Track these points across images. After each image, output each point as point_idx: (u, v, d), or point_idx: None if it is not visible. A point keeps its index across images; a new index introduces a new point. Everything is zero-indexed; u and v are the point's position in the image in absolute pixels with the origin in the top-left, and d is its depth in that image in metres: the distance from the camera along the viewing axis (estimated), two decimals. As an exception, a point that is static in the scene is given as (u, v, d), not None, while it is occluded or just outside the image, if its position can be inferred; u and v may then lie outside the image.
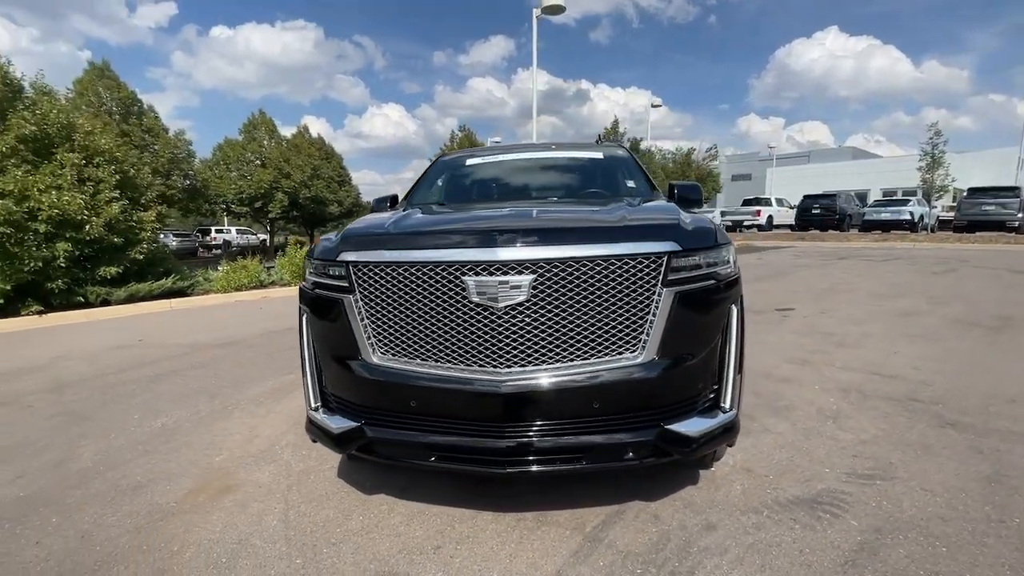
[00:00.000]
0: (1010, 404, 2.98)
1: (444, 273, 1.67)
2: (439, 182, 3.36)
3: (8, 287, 6.83)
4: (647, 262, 1.65)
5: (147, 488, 2.35)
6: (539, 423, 1.67)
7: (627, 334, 1.67)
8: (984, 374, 3.54)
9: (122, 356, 4.91)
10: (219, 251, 28.33)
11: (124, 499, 2.26)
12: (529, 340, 1.65)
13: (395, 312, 1.76)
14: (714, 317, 1.76)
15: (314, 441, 2.06)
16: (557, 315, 1.64)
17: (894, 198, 25.64)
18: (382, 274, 1.77)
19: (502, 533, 1.92)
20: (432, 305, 1.70)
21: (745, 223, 24.72)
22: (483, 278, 1.61)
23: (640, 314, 1.66)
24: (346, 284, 1.81)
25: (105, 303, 7.76)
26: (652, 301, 1.65)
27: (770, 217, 24.61)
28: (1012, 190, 19.29)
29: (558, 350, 1.66)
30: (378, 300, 1.78)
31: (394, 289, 1.75)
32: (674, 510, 2.03)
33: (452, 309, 1.67)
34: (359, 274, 1.80)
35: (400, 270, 1.73)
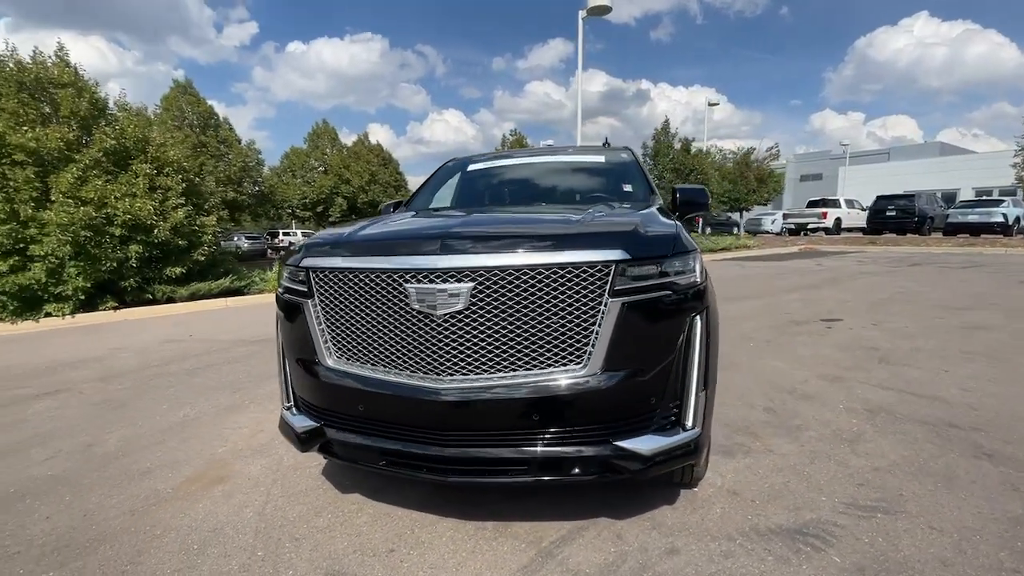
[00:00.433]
0: (1070, 436, 2.60)
1: (388, 280, 1.69)
2: (437, 187, 3.40)
3: (88, 284, 7.62)
4: (592, 271, 1.59)
5: (152, 474, 2.54)
6: (480, 433, 1.65)
7: (572, 345, 1.62)
8: (1048, 400, 3.11)
9: (170, 350, 5.34)
10: (284, 252, 30.17)
11: (130, 483, 2.45)
12: (470, 349, 1.63)
13: (347, 317, 1.80)
14: (670, 330, 1.66)
15: (286, 438, 2.15)
16: (498, 324, 1.61)
17: (985, 198, 23.11)
18: (336, 280, 1.81)
19: (458, 541, 1.91)
20: (378, 311, 1.72)
21: (809, 226, 23.17)
22: (423, 285, 1.62)
23: (585, 325, 1.60)
24: (306, 289, 1.88)
25: (170, 300, 8.48)
26: (598, 312, 1.59)
27: (838, 219, 22.92)
28: None
29: (499, 360, 1.63)
30: (333, 305, 1.83)
31: (346, 295, 1.79)
32: (640, 530, 1.93)
33: (396, 316, 1.69)
34: (317, 280, 1.86)
35: (351, 276, 1.77)
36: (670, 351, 1.66)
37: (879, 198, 22.14)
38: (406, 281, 1.65)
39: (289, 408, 2.06)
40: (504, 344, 1.62)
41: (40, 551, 1.94)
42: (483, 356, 1.63)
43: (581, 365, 1.61)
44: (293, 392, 2.04)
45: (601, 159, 3.39)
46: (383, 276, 1.69)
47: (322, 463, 2.57)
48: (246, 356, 4.95)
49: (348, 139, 29.88)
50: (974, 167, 35.92)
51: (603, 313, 1.58)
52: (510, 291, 1.59)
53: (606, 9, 13.38)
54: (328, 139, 29.73)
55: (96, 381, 4.23)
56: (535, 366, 1.63)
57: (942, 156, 42.05)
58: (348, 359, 1.83)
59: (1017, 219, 19.04)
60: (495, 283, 1.59)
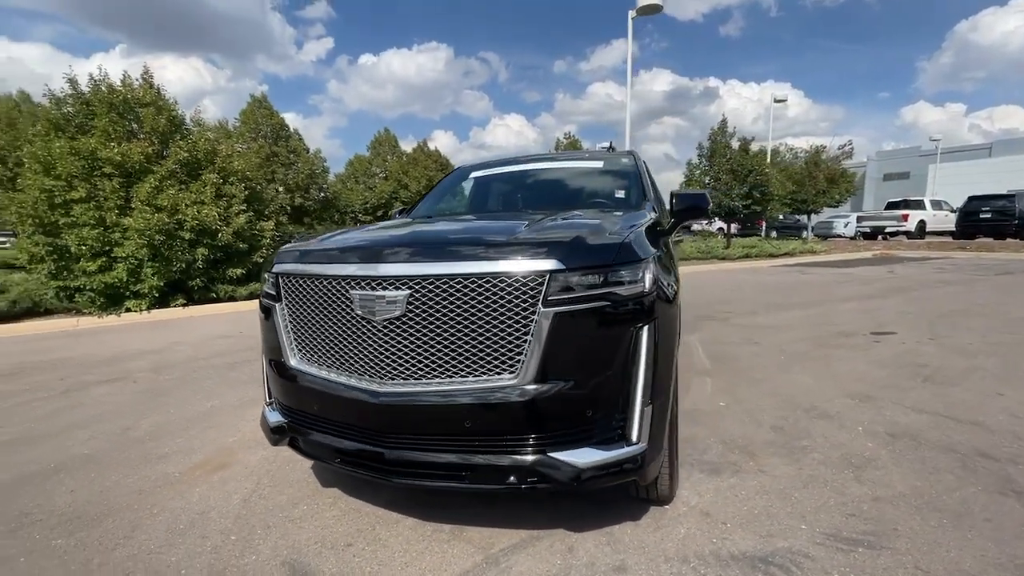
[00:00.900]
0: None
1: (336, 286, 1.77)
2: (440, 194, 3.49)
3: (162, 283, 8.45)
4: (525, 280, 1.59)
5: (167, 459, 2.79)
6: (417, 437, 1.69)
7: (506, 355, 1.62)
8: (1118, 433, 2.70)
9: (220, 344, 5.81)
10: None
11: (147, 466, 2.71)
12: (407, 354, 1.68)
13: (305, 320, 1.91)
14: (610, 341, 1.62)
15: (263, 432, 2.29)
16: (434, 332, 1.65)
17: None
18: (297, 285, 1.93)
19: (412, 542, 1.96)
20: (329, 316, 1.82)
21: (887, 229, 21.24)
22: (364, 292, 1.69)
23: (519, 335, 1.60)
24: (275, 293, 2.01)
25: (231, 299, 9.21)
26: (531, 322, 1.58)
27: (921, 222, 20.84)
28: None
29: (436, 366, 1.67)
30: (295, 309, 1.95)
31: (305, 299, 1.90)
32: (595, 544, 1.89)
33: (342, 321, 1.78)
34: (284, 285, 1.99)
35: (309, 282, 1.88)
36: (609, 363, 1.62)
37: (971, 199, 19.93)
38: (351, 287, 1.73)
39: (269, 404, 2.21)
40: (440, 351, 1.66)
41: (58, 520, 2.20)
42: (420, 362, 1.68)
43: (515, 375, 1.61)
44: (269, 389, 2.18)
45: (599, 164, 3.34)
46: (332, 282, 1.78)
47: (314, 457, 2.71)
48: (282, 353, 5.28)
49: (409, 146, 31.07)
50: (1098, 162, 31.47)
51: (536, 324, 1.58)
52: (445, 299, 1.63)
53: (657, 8, 13.05)
54: (388, 147, 31.03)
55: (149, 371, 4.69)
56: (470, 374, 1.65)
57: (1057, 150, 37.20)
58: (308, 360, 1.94)
59: None
60: (430, 291, 1.63)
